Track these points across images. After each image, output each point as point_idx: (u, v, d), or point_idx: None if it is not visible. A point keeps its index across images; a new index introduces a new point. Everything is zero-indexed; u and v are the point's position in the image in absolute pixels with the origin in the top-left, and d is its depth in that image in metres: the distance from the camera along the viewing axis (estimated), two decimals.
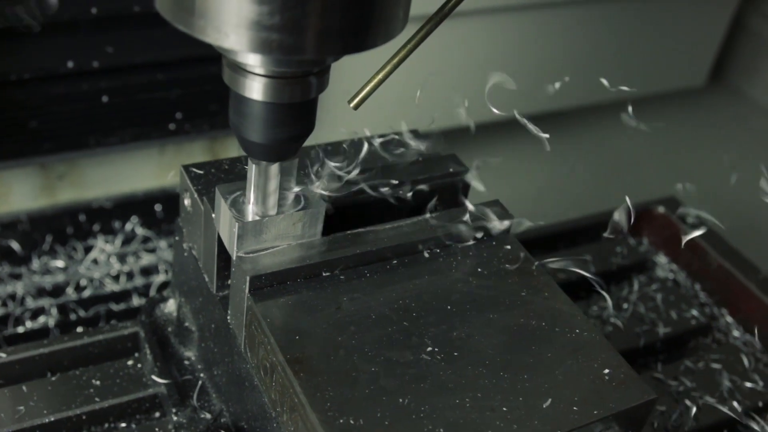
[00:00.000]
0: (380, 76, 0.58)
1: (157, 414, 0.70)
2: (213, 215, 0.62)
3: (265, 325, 0.57)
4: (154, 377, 0.70)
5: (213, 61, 0.98)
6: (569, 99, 1.55)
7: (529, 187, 1.39)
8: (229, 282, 0.63)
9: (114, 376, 0.72)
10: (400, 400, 0.54)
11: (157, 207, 1.12)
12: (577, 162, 1.51)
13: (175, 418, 0.68)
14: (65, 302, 0.97)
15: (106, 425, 0.69)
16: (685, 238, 0.82)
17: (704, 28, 1.69)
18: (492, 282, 0.63)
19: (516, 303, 0.62)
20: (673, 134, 1.66)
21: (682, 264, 0.96)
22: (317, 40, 0.47)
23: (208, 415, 0.68)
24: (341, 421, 0.52)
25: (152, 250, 1.08)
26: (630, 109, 0.69)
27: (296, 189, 0.61)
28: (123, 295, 1.00)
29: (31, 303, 0.97)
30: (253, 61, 0.50)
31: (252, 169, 0.58)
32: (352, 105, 0.59)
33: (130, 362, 0.73)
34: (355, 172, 0.66)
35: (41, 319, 0.95)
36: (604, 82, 0.71)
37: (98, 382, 0.71)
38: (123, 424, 0.69)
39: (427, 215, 0.67)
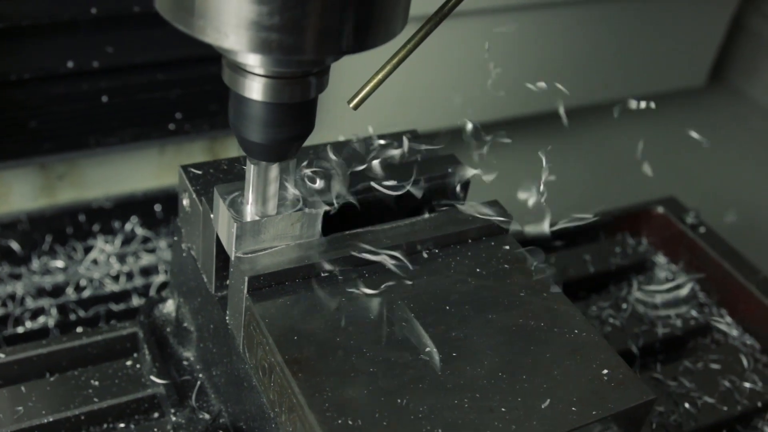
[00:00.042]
0: (380, 76, 0.58)
1: (156, 414, 0.70)
2: (211, 215, 0.62)
3: (263, 325, 0.57)
4: (152, 377, 0.70)
5: (213, 61, 0.98)
6: (569, 99, 1.55)
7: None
8: (228, 282, 0.63)
9: (113, 377, 0.72)
10: (399, 401, 0.54)
11: (157, 207, 1.12)
12: (577, 162, 1.51)
13: (173, 419, 0.68)
14: (65, 302, 0.97)
15: (105, 426, 0.69)
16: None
17: (704, 28, 1.69)
18: (491, 282, 0.63)
19: (515, 303, 0.62)
20: (673, 134, 1.66)
21: (682, 264, 0.96)
22: (317, 40, 0.47)
23: (207, 416, 0.68)
24: (339, 421, 0.52)
25: (152, 251, 1.08)
26: (635, 104, 0.69)
27: (294, 189, 0.61)
28: (123, 296, 1.00)
29: (30, 303, 0.97)
30: (253, 61, 0.50)
31: (250, 170, 0.58)
32: (351, 105, 0.59)
33: (128, 363, 0.73)
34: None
35: (41, 320, 0.95)
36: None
37: (97, 383, 0.71)
38: (122, 425, 0.69)
39: (426, 215, 0.67)
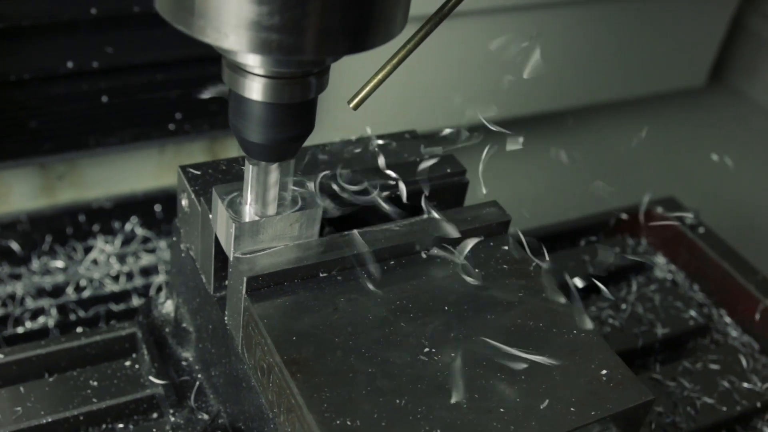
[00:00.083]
0: (380, 76, 0.58)
1: (155, 415, 0.70)
2: (210, 216, 0.62)
3: (262, 325, 0.57)
4: (151, 378, 0.70)
5: (213, 61, 0.98)
6: (569, 99, 1.55)
7: (529, 187, 1.39)
8: (227, 283, 0.63)
9: (111, 377, 0.72)
10: (398, 401, 0.54)
11: (157, 207, 1.12)
12: (577, 162, 1.51)
13: (172, 419, 0.68)
14: (65, 302, 0.97)
15: (104, 426, 0.69)
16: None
17: (704, 28, 1.69)
18: (490, 283, 0.63)
19: (513, 304, 0.62)
20: (673, 134, 1.66)
21: (681, 264, 0.96)
22: (317, 41, 0.47)
23: (206, 416, 0.68)
24: (338, 422, 0.52)
25: (152, 251, 1.08)
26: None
27: (294, 189, 0.61)
28: (123, 296, 1.00)
29: (30, 303, 0.97)
30: (253, 61, 0.50)
31: (249, 170, 0.58)
32: (351, 105, 0.59)
33: (127, 363, 0.73)
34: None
35: (41, 320, 0.95)
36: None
37: (96, 383, 0.71)
38: (120, 425, 0.69)
39: (425, 216, 0.67)
